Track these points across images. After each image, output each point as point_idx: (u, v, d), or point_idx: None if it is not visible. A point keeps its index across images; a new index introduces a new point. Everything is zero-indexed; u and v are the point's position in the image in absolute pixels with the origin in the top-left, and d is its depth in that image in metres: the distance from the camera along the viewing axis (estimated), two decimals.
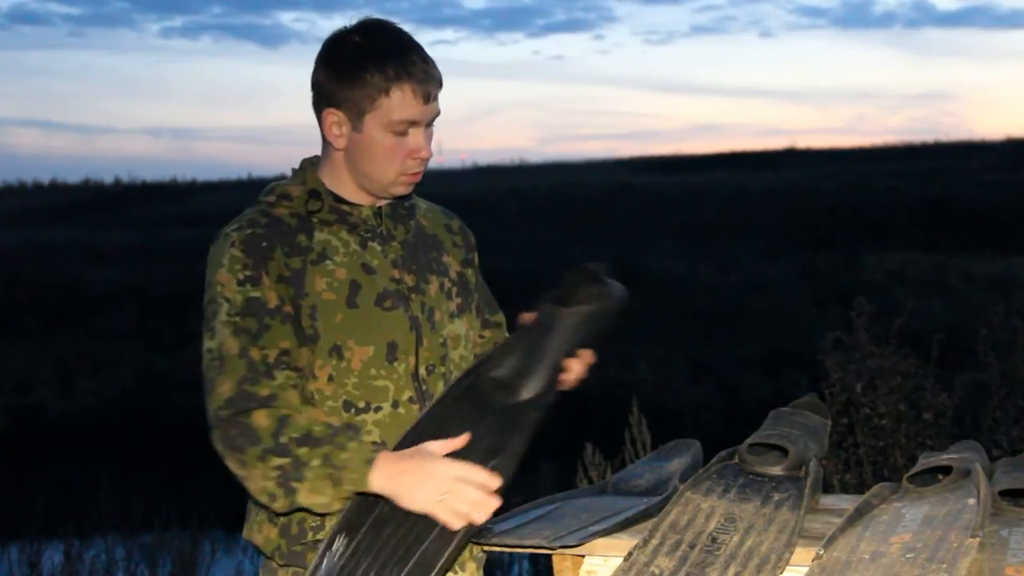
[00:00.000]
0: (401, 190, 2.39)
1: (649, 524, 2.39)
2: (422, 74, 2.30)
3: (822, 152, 37.67)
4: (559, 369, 2.46)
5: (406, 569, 2.14)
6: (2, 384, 15.31)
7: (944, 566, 2.02)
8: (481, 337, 2.64)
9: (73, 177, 38.01)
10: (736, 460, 2.60)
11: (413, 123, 2.32)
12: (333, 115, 2.34)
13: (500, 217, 24.84)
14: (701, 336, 16.08)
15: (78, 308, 17.97)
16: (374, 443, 2.23)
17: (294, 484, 2.17)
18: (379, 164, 2.34)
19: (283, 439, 2.17)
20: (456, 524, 2.13)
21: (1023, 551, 2.14)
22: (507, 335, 2.65)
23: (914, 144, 38.36)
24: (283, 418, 2.19)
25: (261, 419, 2.19)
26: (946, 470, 2.47)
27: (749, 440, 2.62)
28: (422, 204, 2.56)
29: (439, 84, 2.35)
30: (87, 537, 6.98)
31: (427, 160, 2.37)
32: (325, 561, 2.20)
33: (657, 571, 2.21)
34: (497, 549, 2.40)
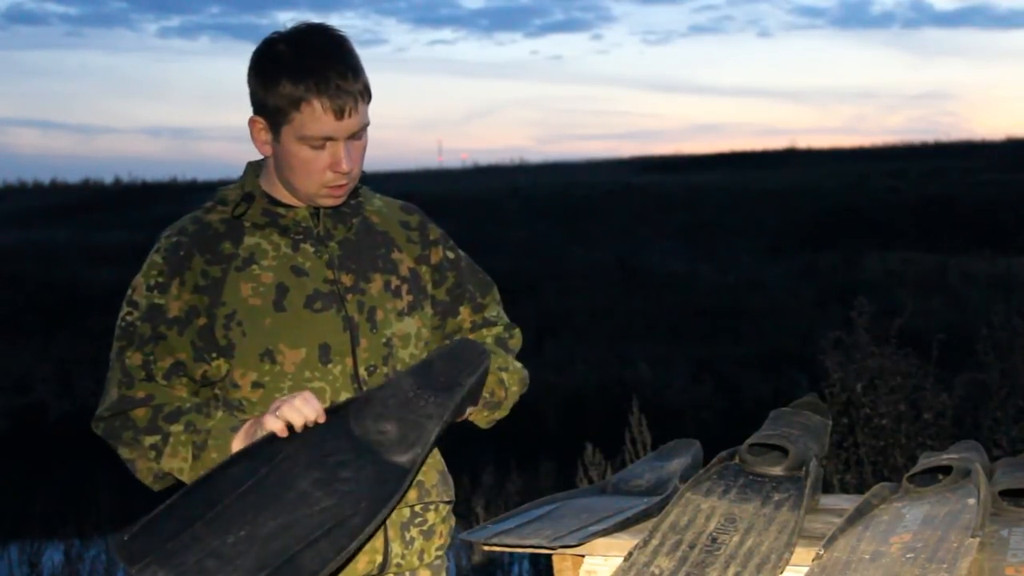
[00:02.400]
0: (328, 202, 2.34)
1: (649, 524, 2.39)
2: (335, 90, 2.23)
3: (822, 152, 37.70)
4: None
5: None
6: (2, 384, 15.31)
7: (944, 566, 2.02)
8: (472, 323, 2.59)
9: (73, 177, 38.04)
10: (736, 460, 2.60)
11: (328, 138, 2.27)
12: (258, 123, 2.32)
13: (501, 216, 24.87)
14: (701, 336, 16.08)
15: (78, 308, 17.96)
16: (240, 418, 2.25)
17: (161, 458, 2.23)
18: (299, 176, 2.30)
19: (157, 421, 2.24)
20: (268, 424, 2.16)
21: (1023, 551, 2.14)
22: (485, 319, 2.61)
23: (914, 144, 38.39)
24: (159, 406, 2.25)
25: (139, 412, 2.26)
26: (946, 470, 2.48)
27: (749, 440, 2.62)
28: (376, 201, 2.51)
29: (359, 97, 2.27)
30: (87, 537, 6.99)
31: (350, 173, 2.31)
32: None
33: (657, 571, 2.21)
34: (498, 549, 2.41)
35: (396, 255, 2.46)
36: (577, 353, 14.66)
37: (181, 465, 2.22)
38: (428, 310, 2.49)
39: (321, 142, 2.27)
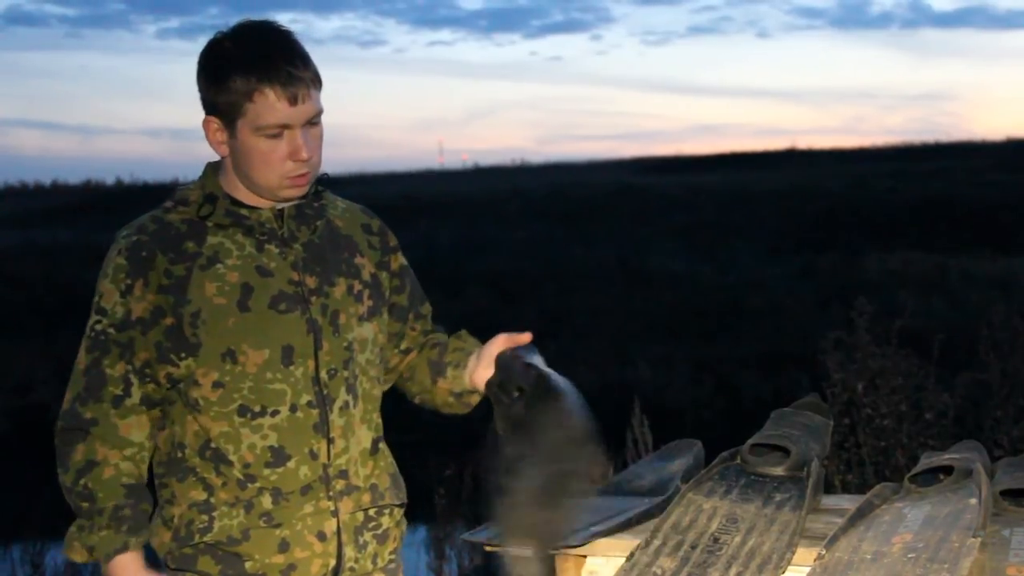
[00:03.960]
0: (290, 193, 2.33)
1: (651, 524, 2.39)
2: (286, 76, 2.23)
3: (822, 152, 37.73)
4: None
5: None
6: (3, 384, 15.32)
7: (946, 566, 2.02)
8: (412, 330, 2.57)
9: (74, 178, 38.08)
10: (738, 461, 2.60)
11: (285, 126, 2.26)
12: (212, 122, 2.31)
13: (502, 217, 24.87)
14: (702, 336, 16.07)
15: (79, 309, 17.89)
16: (127, 541, 2.28)
17: (71, 526, 2.32)
18: (259, 169, 2.29)
19: (81, 482, 2.29)
20: None
21: None
22: (431, 327, 2.61)
23: (914, 144, 38.46)
24: (93, 461, 2.29)
25: (79, 452, 2.30)
26: (948, 470, 2.48)
27: (751, 441, 2.63)
28: (340, 204, 2.50)
29: (310, 83, 2.27)
30: None
31: (310, 161, 2.30)
32: None
33: (659, 571, 2.21)
34: (499, 549, 2.41)
35: (359, 260, 2.45)
36: (577, 353, 14.64)
37: (77, 558, 2.32)
38: (385, 316, 2.48)
39: (278, 130, 2.26)
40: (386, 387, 2.56)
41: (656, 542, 2.30)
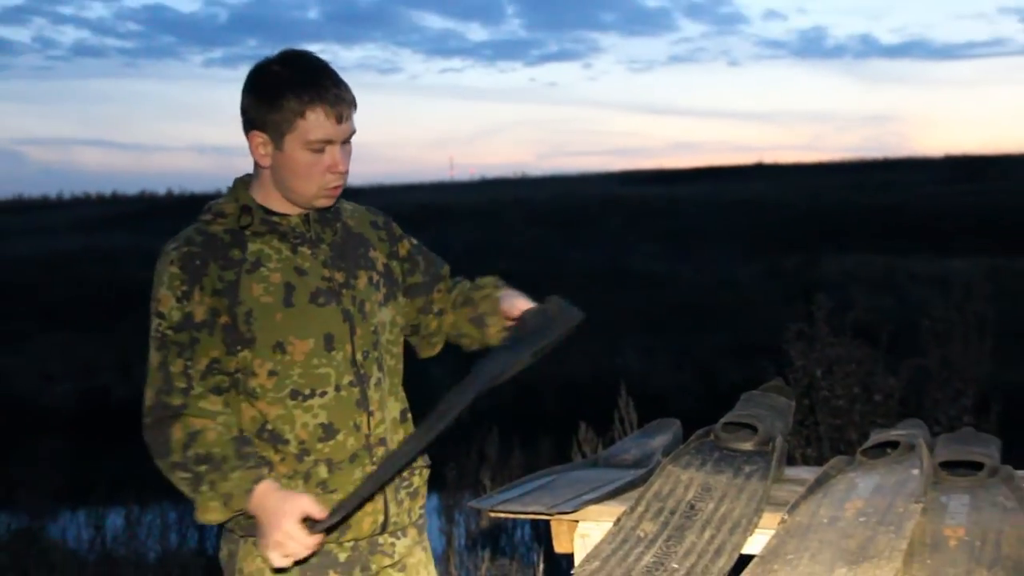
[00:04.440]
0: (323, 202, 2.34)
1: (636, 493, 2.39)
2: (334, 98, 2.25)
3: (786, 167, 37.59)
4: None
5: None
6: (71, 370, 15.32)
7: (892, 528, 2.02)
8: (439, 293, 2.58)
9: (130, 189, 38.00)
10: (712, 437, 2.61)
11: (328, 141, 2.28)
12: (258, 137, 2.30)
13: (506, 224, 24.82)
14: (681, 328, 16.03)
15: (136, 304, 17.92)
16: (258, 474, 2.21)
17: (194, 496, 2.22)
18: (301, 179, 2.29)
19: (189, 453, 2.20)
20: (275, 562, 2.18)
21: (960, 514, 2.15)
22: (452, 283, 2.63)
23: (866, 160, 38.31)
24: (194, 433, 2.21)
25: (177, 431, 2.22)
26: (894, 444, 2.48)
27: (723, 419, 2.63)
28: (348, 206, 2.50)
29: (351, 105, 2.30)
30: (145, 504, 6.99)
31: (345, 174, 2.32)
32: None
33: (643, 534, 2.21)
34: (502, 515, 2.41)
35: (372, 253, 2.47)
36: (572, 344, 14.61)
37: (213, 517, 2.22)
38: (400, 300, 2.50)
39: (321, 146, 2.27)
40: (437, 349, 2.63)
41: (640, 508, 2.30)
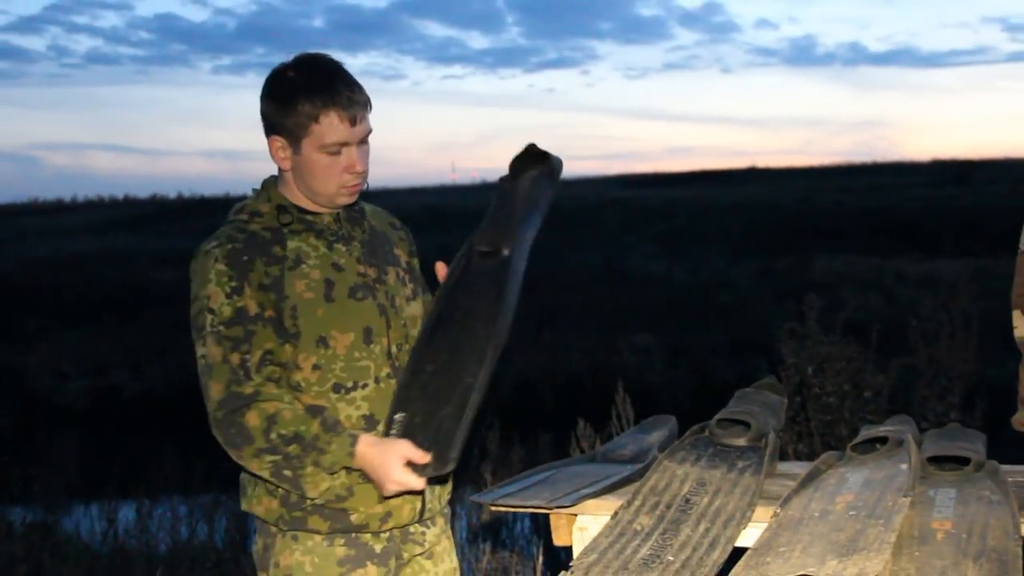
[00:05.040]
0: (345, 200, 2.34)
1: (632, 488, 2.39)
2: (347, 101, 2.26)
3: (778, 170, 37.63)
4: (525, 227, 2.45)
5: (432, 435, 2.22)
6: (84, 368, 15.33)
7: (881, 521, 2.02)
8: None
9: (142, 193, 38.15)
10: (706, 433, 2.60)
11: (344, 143, 2.28)
12: (277, 141, 2.31)
13: None
14: (676, 327, 16.02)
15: (147, 304, 17.94)
16: (350, 435, 2.22)
17: (287, 473, 2.19)
18: (320, 181, 2.30)
19: (273, 436, 2.18)
20: (387, 492, 2.24)
21: (947, 508, 2.15)
22: None
23: (855, 164, 38.43)
24: (271, 416, 2.19)
25: (252, 419, 2.19)
26: (883, 440, 2.48)
27: (717, 416, 2.63)
28: (367, 207, 2.51)
29: (365, 106, 2.30)
30: (156, 497, 6.98)
31: (363, 173, 2.33)
32: (393, 430, 2.26)
33: (639, 528, 2.21)
34: (503, 509, 2.41)
35: (396, 251, 2.49)
36: (571, 342, 14.62)
37: (325, 485, 2.23)
38: (424, 296, 2.51)
39: (338, 148, 2.28)
40: None
41: (636, 503, 2.30)
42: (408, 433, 2.23)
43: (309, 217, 2.35)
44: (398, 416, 2.27)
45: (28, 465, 7.72)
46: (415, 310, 2.45)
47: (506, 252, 2.38)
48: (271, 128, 2.32)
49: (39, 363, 15.48)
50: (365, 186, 2.39)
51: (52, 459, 7.78)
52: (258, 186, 2.42)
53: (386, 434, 2.26)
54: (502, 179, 2.50)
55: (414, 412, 2.26)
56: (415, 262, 2.55)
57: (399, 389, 2.32)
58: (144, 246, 23.98)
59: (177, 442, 8.57)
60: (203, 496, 7.01)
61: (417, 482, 2.20)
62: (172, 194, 36.93)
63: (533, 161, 2.49)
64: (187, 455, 7.68)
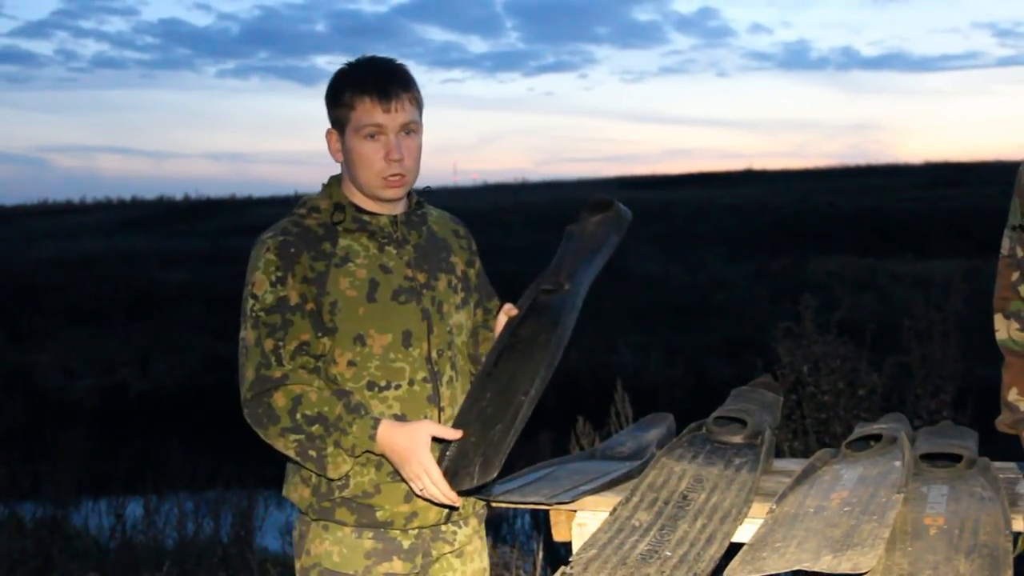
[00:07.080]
0: (389, 193, 2.34)
1: (631, 484, 2.39)
2: (383, 88, 2.28)
3: (774, 173, 37.59)
4: (585, 265, 2.51)
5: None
6: (91, 366, 15.34)
7: (875, 517, 2.02)
8: (484, 324, 2.57)
9: (149, 194, 38.04)
10: (703, 430, 2.61)
11: (379, 127, 2.29)
12: (332, 134, 2.36)
13: (507, 227, 24.80)
14: (674, 326, 16.05)
15: (154, 303, 17.96)
16: (372, 417, 2.22)
17: (311, 453, 2.20)
18: (362, 169, 2.31)
19: (298, 416, 2.20)
20: (417, 489, 2.22)
21: (939, 504, 2.15)
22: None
23: (849, 166, 38.36)
24: (297, 397, 2.21)
25: (279, 399, 2.21)
26: (877, 437, 2.48)
27: (714, 414, 2.63)
28: (433, 212, 2.52)
29: (405, 97, 2.31)
30: (163, 493, 6.99)
31: (403, 163, 2.32)
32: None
33: (637, 523, 2.21)
34: (504, 505, 2.41)
35: (453, 259, 2.48)
36: (570, 341, 14.62)
37: (344, 469, 2.22)
38: (472, 306, 2.51)
39: (373, 130, 2.29)
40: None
41: (635, 499, 2.30)
42: (461, 450, 2.22)
43: (365, 217, 2.36)
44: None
45: (37, 462, 7.73)
46: (462, 319, 2.44)
47: (567, 287, 2.42)
48: (330, 123, 2.37)
49: (48, 361, 15.49)
50: (419, 190, 2.41)
51: (61, 456, 7.78)
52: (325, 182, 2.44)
53: (442, 457, 2.24)
54: (569, 226, 2.59)
55: (469, 433, 2.24)
56: (472, 272, 2.53)
57: (459, 415, 2.30)
58: (151, 247, 23.98)
59: (183, 439, 8.58)
60: (209, 492, 7.02)
61: (436, 479, 2.18)
62: (179, 195, 36.79)
63: (599, 210, 2.63)
64: (193, 452, 7.70)
